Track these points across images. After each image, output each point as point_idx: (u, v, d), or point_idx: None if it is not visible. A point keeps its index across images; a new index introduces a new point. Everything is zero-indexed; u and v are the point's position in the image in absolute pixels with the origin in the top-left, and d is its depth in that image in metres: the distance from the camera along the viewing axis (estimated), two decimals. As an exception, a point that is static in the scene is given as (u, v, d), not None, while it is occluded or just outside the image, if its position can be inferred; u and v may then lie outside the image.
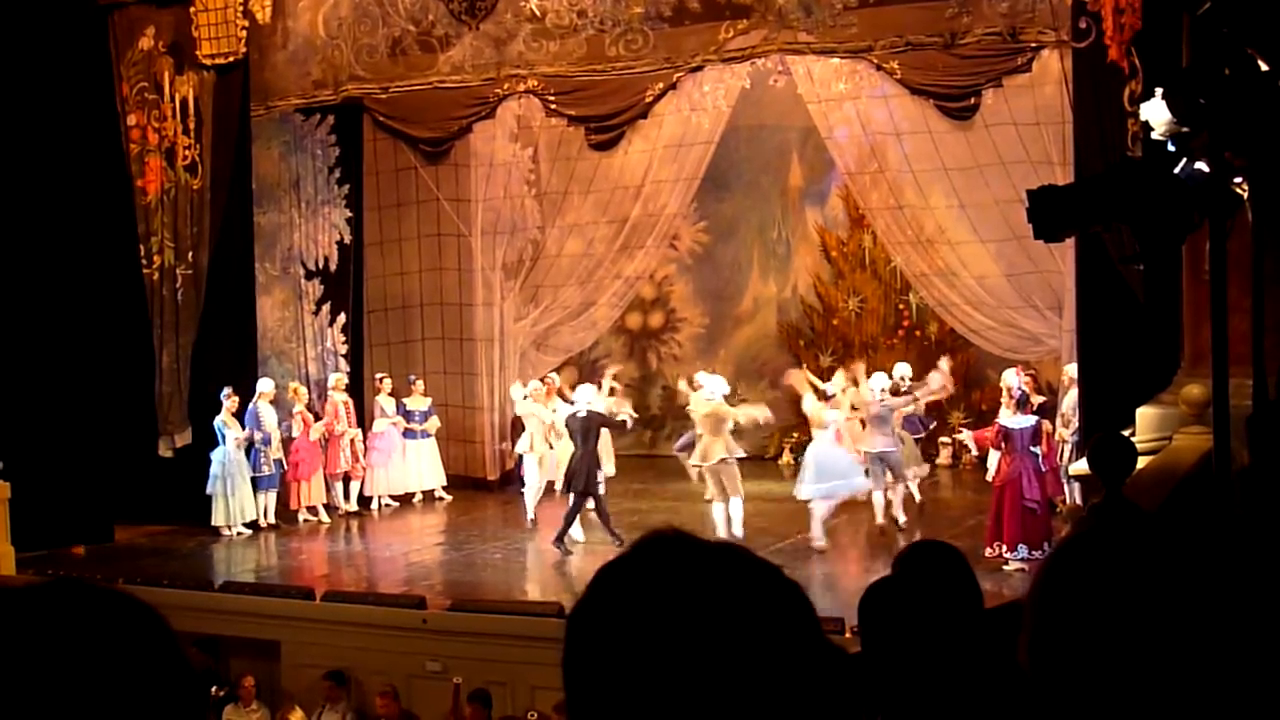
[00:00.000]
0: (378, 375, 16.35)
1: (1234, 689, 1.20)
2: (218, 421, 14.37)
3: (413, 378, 16.48)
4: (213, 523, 14.34)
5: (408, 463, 16.16)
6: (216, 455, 14.38)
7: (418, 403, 16.25)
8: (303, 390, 15.51)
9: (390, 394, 16.14)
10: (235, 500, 14.41)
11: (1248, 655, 1.20)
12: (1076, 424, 12.27)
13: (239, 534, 14.41)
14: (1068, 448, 12.65)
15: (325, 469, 15.38)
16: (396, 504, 16.05)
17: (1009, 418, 11.92)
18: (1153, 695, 1.20)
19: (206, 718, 10.06)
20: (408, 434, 16.09)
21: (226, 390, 14.40)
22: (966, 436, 14.72)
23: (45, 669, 1.14)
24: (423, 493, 16.25)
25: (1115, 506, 6.12)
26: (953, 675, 3.34)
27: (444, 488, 16.36)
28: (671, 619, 1.18)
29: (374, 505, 15.86)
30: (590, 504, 12.96)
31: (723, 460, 12.51)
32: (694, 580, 1.21)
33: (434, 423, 16.26)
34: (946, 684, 3.32)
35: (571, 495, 12.96)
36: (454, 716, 10.03)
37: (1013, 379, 12.84)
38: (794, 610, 1.23)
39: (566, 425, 13.50)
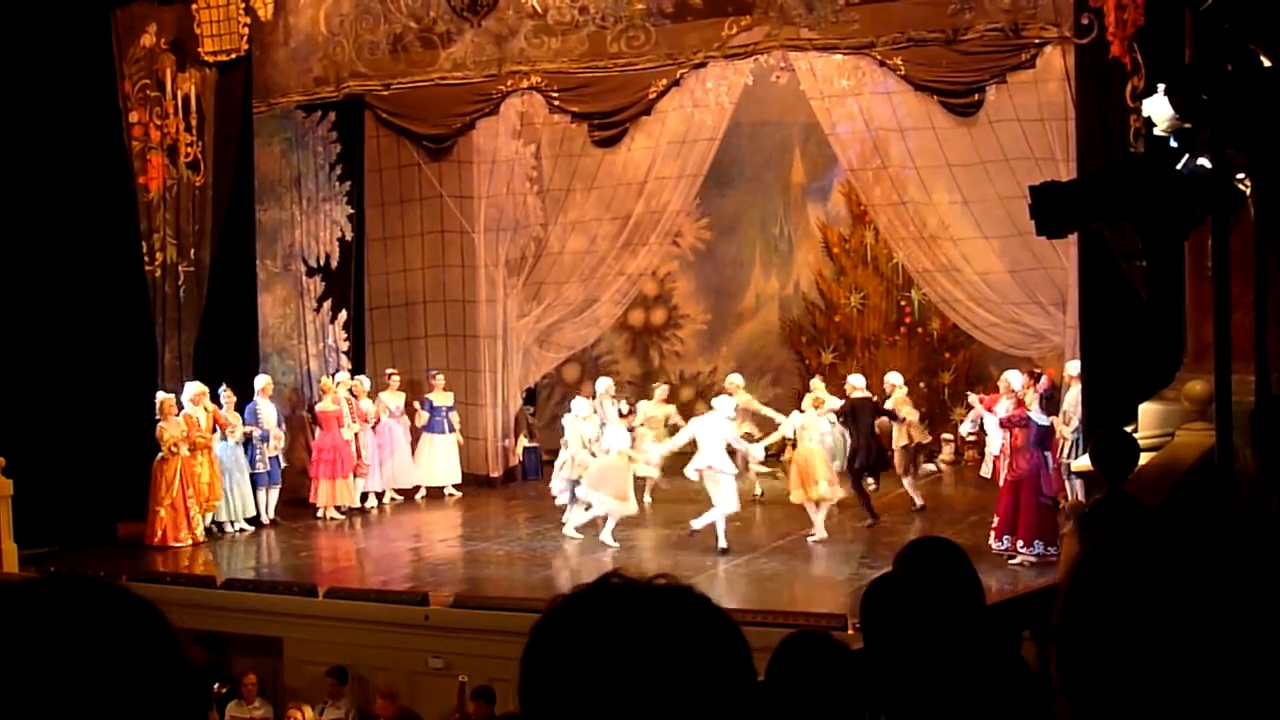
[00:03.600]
0: (387, 371, 16.37)
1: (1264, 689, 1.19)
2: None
3: (434, 372, 16.52)
4: (214, 519, 14.36)
5: (424, 457, 16.24)
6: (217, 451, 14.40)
7: (442, 398, 16.27)
8: (334, 386, 15.50)
9: (397, 390, 16.16)
10: (236, 496, 14.44)
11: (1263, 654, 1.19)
12: (1077, 421, 12.26)
13: (241, 530, 14.43)
14: (1069, 444, 12.64)
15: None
16: (400, 499, 16.07)
17: (1034, 412, 11.97)
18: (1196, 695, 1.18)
19: (206, 713, 10.07)
20: (433, 427, 16.18)
21: (224, 388, 14.43)
22: (974, 401, 14.36)
23: (42, 664, 1.13)
24: (429, 489, 16.24)
25: (1117, 503, 6.12)
26: (954, 671, 3.34)
27: (455, 485, 16.39)
28: (607, 670, 1.25)
29: (374, 501, 15.87)
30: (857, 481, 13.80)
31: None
32: (627, 631, 1.27)
33: (454, 418, 16.33)
34: (948, 680, 3.32)
35: (855, 476, 13.60)
36: (459, 713, 10.04)
37: (1016, 380, 12.76)
38: (728, 654, 1.29)
39: (850, 412, 13.82)
